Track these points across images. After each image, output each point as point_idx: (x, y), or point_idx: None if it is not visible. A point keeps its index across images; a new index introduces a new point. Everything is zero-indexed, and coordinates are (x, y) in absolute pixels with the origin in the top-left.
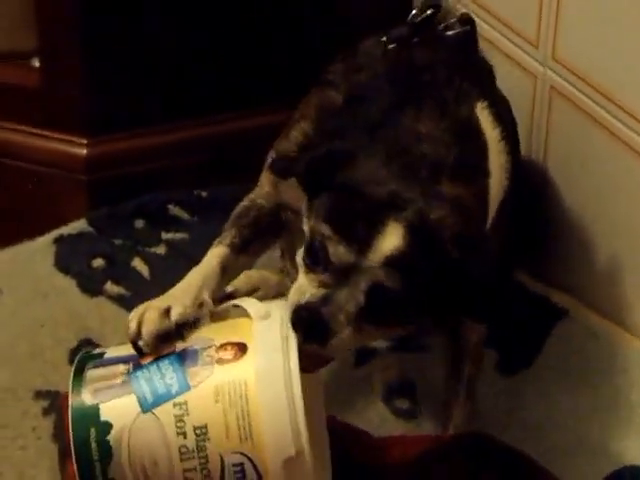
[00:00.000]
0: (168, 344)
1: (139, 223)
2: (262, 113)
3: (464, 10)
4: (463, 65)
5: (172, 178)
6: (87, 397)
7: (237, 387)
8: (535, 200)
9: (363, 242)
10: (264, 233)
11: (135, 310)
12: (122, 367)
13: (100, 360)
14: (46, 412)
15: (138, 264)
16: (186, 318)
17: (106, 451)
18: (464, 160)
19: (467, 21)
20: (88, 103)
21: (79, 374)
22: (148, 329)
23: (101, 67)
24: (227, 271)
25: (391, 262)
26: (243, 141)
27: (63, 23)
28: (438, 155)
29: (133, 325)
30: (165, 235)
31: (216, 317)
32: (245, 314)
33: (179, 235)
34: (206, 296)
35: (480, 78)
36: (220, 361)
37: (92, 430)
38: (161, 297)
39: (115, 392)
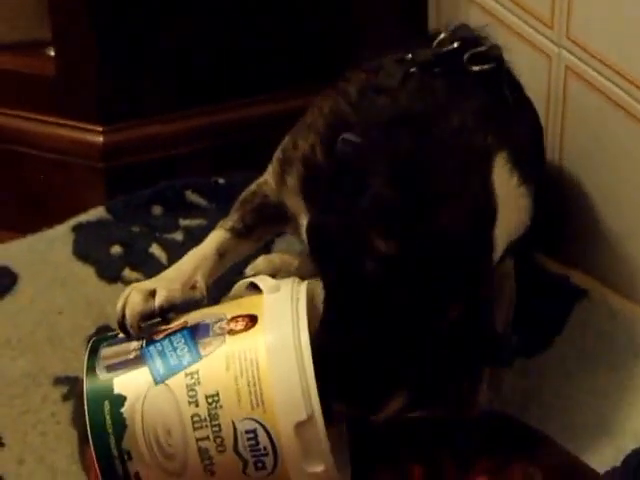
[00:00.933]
0: (155, 326)
1: (156, 210)
2: (279, 99)
3: (495, 42)
4: (486, 107)
5: (189, 165)
6: (101, 372)
7: (248, 354)
8: (551, 181)
9: None
10: (269, 220)
11: (122, 292)
12: (135, 344)
13: (114, 340)
14: (65, 398)
15: (156, 250)
16: (172, 301)
17: (120, 423)
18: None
19: (495, 57)
20: (104, 91)
21: (93, 354)
22: (131, 311)
23: (116, 54)
24: (225, 255)
25: None
26: (260, 127)
27: (77, 11)
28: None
29: (118, 307)
30: (182, 221)
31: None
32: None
33: (196, 221)
34: (199, 277)
35: (505, 117)
36: (231, 332)
37: (106, 403)
38: (150, 280)
39: (128, 366)
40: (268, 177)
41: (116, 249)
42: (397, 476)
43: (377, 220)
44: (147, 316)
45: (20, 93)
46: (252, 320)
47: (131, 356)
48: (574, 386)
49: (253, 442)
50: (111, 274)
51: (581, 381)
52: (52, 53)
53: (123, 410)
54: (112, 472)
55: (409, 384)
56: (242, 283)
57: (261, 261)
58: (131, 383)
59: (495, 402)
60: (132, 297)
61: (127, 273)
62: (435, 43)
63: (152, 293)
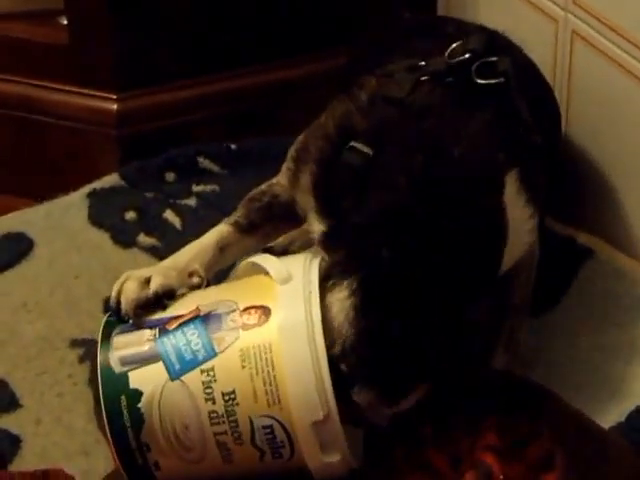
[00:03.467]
0: (151, 313)
1: (170, 176)
2: (291, 65)
3: (503, 58)
4: (497, 123)
5: (202, 131)
6: (116, 365)
7: (262, 352)
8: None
9: None
10: (277, 219)
11: (118, 279)
12: (148, 333)
13: (126, 325)
14: (82, 360)
15: (170, 216)
16: (167, 287)
17: (138, 418)
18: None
19: (503, 73)
20: (117, 58)
21: (106, 340)
22: (126, 298)
23: (128, 22)
24: (226, 249)
25: None
26: (273, 93)
27: None
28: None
29: (113, 294)
30: (195, 187)
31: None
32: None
33: (209, 187)
34: (197, 266)
35: (515, 134)
36: (244, 326)
37: (123, 398)
38: (146, 268)
39: (142, 359)
40: (280, 177)
41: (130, 215)
42: (407, 437)
43: (388, 233)
44: (143, 303)
45: (33, 62)
46: (265, 313)
47: (145, 347)
48: (580, 345)
49: (270, 436)
50: (126, 239)
51: (587, 340)
52: (64, 22)
53: (140, 405)
54: (132, 462)
55: (432, 376)
56: (246, 263)
57: None
58: (147, 378)
59: (512, 365)
60: (127, 284)
61: (142, 238)
62: (448, 52)
63: (147, 280)
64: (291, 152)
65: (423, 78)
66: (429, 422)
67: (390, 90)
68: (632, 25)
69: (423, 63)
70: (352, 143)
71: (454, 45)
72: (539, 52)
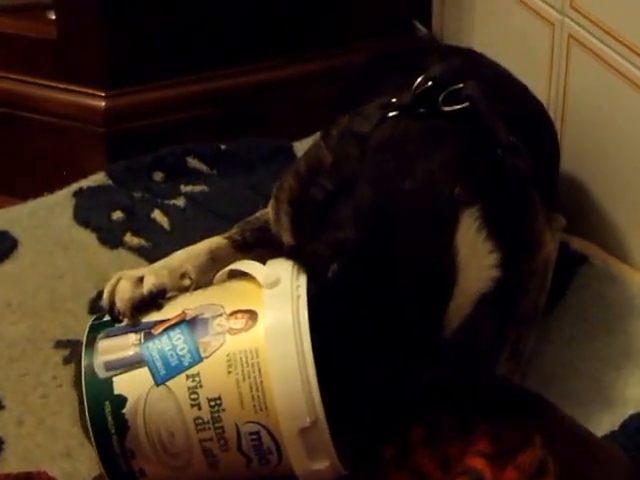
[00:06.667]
0: (145, 313)
1: (158, 176)
2: (281, 66)
3: (468, 83)
4: (459, 156)
5: (191, 130)
6: (100, 371)
7: (249, 358)
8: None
9: None
10: (270, 245)
11: (109, 281)
12: (133, 337)
13: (111, 329)
14: (67, 361)
15: (158, 216)
16: (161, 286)
17: (122, 424)
18: None
19: (467, 97)
20: (106, 55)
21: (91, 345)
22: (121, 298)
23: (118, 19)
24: (218, 260)
25: None
26: (263, 94)
27: None
28: None
29: (105, 295)
30: (184, 188)
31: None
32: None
33: (198, 187)
34: (189, 267)
35: (482, 166)
36: (231, 331)
37: (107, 404)
38: (137, 269)
39: (127, 365)
40: (269, 209)
41: (117, 214)
42: (397, 440)
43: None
44: (137, 303)
45: (21, 57)
46: (252, 318)
47: (130, 352)
48: (574, 352)
49: (257, 443)
50: (113, 239)
51: (581, 347)
52: (53, 16)
53: (125, 411)
54: (115, 469)
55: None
56: (222, 273)
57: None
58: (132, 384)
59: (516, 375)
60: (121, 284)
61: (129, 238)
62: (414, 85)
63: (140, 280)
64: (274, 192)
65: (392, 114)
66: (420, 425)
67: (357, 126)
68: (628, 29)
69: (394, 100)
70: (317, 179)
71: (419, 78)
72: (535, 56)
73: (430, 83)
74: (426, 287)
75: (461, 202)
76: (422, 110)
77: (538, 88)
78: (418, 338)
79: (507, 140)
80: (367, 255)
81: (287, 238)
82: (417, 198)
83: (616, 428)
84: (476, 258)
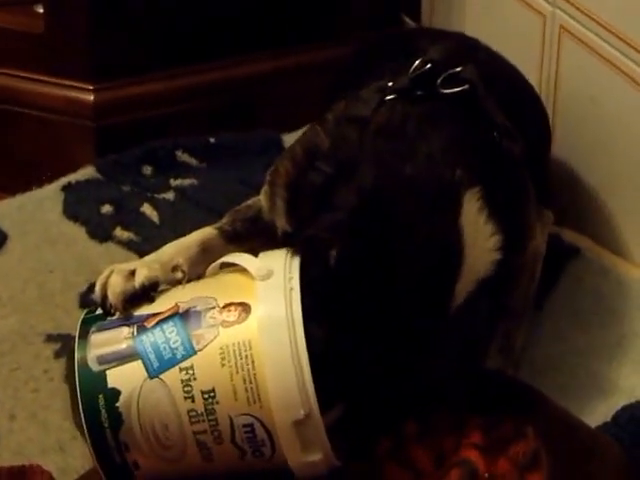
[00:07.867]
0: (138, 306)
1: (147, 169)
2: (271, 58)
3: (467, 66)
4: (459, 138)
5: (180, 124)
6: (93, 364)
7: (242, 350)
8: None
9: None
10: (263, 235)
11: (101, 274)
12: (126, 330)
13: (103, 323)
14: (58, 355)
15: (147, 210)
16: (153, 280)
17: (116, 417)
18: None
19: (466, 80)
20: (94, 48)
21: (83, 338)
22: (114, 291)
23: (106, 11)
24: (209, 251)
25: None
26: (252, 87)
27: None
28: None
29: (97, 289)
30: (174, 181)
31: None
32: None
33: (188, 181)
34: (180, 260)
35: (481, 148)
36: (224, 323)
37: (100, 397)
38: (128, 262)
39: (121, 358)
40: (262, 197)
41: (107, 208)
42: (392, 433)
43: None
44: (130, 296)
45: (8, 50)
46: (245, 310)
47: (123, 345)
48: (566, 344)
49: (250, 435)
50: (102, 233)
51: (573, 339)
52: (41, 10)
53: (119, 404)
54: (109, 462)
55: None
56: (215, 265)
57: None
58: (125, 377)
59: (508, 368)
60: (113, 278)
61: (118, 232)
62: (411, 69)
63: (132, 273)
64: (267, 177)
65: (389, 97)
66: (414, 419)
67: (355, 110)
68: (619, 20)
69: (390, 84)
70: (316, 163)
71: (417, 61)
72: (526, 47)
73: (429, 66)
74: (434, 269)
75: (462, 184)
76: (420, 93)
77: (530, 79)
78: (422, 325)
79: (503, 124)
80: (371, 239)
81: (282, 224)
82: (419, 181)
83: (609, 419)
84: (479, 239)
